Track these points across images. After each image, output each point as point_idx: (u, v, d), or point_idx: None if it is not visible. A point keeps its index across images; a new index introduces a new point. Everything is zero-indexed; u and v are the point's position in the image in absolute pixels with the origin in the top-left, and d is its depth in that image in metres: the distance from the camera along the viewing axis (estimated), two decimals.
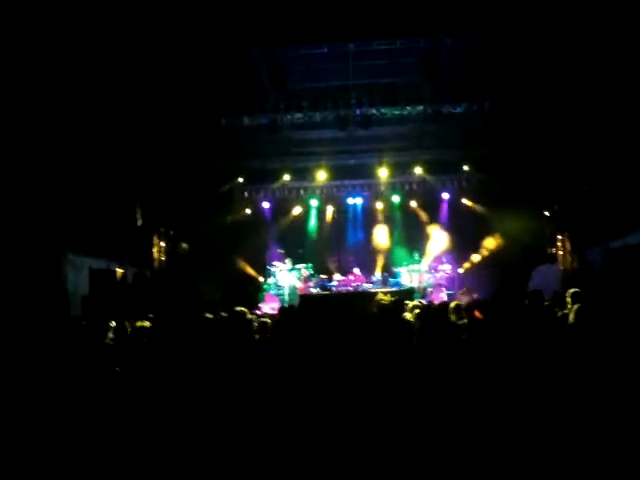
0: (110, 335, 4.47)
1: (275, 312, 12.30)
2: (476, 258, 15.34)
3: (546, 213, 14.17)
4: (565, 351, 3.23)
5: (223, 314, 6.22)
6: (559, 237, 13.93)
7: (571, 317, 3.51)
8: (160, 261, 14.32)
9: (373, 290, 14.10)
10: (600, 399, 2.94)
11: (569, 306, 3.82)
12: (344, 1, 8.53)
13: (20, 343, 4.23)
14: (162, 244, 14.35)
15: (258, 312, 10.83)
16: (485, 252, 15.09)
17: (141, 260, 13.37)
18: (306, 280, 15.08)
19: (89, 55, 9.12)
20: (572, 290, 3.75)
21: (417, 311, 4.83)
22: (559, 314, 4.53)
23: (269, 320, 6.21)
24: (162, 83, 10.55)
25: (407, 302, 7.17)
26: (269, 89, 11.39)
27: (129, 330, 4.52)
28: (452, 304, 5.58)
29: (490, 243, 14.89)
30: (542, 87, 10.66)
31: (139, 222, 13.47)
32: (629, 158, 10.10)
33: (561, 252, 13.84)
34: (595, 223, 11.49)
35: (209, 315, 5.76)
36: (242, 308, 5.69)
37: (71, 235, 10.39)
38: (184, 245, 12.57)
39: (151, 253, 14.12)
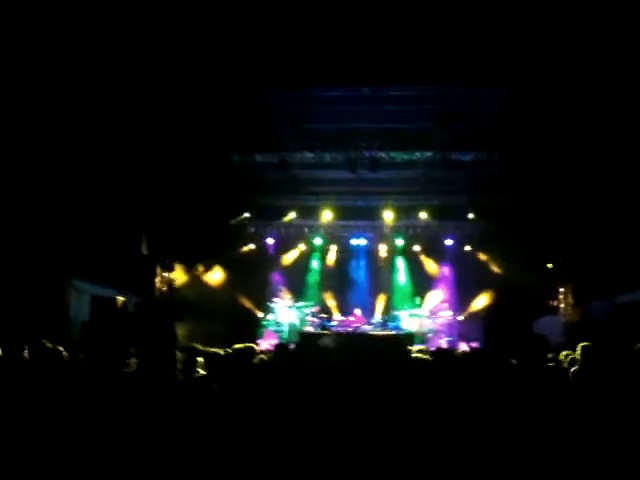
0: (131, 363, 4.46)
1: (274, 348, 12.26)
2: (477, 306, 15.31)
3: (549, 265, 14.21)
4: (569, 400, 3.25)
5: (224, 350, 6.21)
6: (561, 290, 13.95)
7: (575, 368, 3.54)
8: (162, 291, 14.33)
9: (374, 332, 14.05)
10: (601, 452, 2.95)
11: (577, 356, 3.84)
12: (361, 47, 8.73)
13: (20, 363, 4.24)
14: (165, 275, 14.40)
15: (256, 348, 10.77)
16: (486, 301, 15.07)
17: (143, 289, 13.39)
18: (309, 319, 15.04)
19: (107, 83, 9.31)
20: (584, 343, 3.77)
21: (421, 355, 4.83)
22: (564, 364, 4.55)
23: (264, 356, 6.20)
24: (177, 117, 10.73)
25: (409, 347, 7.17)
26: (282, 128, 11.56)
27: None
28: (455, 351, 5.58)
29: (491, 293, 14.88)
30: (552, 140, 10.82)
31: (144, 252, 13.55)
32: (637, 217, 10.20)
33: (563, 305, 13.84)
34: (599, 277, 11.53)
35: (205, 348, 5.68)
36: (248, 344, 5.68)
37: (76, 261, 10.45)
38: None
39: (154, 283, 14.16)
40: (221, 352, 5.27)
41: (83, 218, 10.46)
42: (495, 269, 14.96)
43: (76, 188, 10.27)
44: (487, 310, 14.88)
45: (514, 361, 4.09)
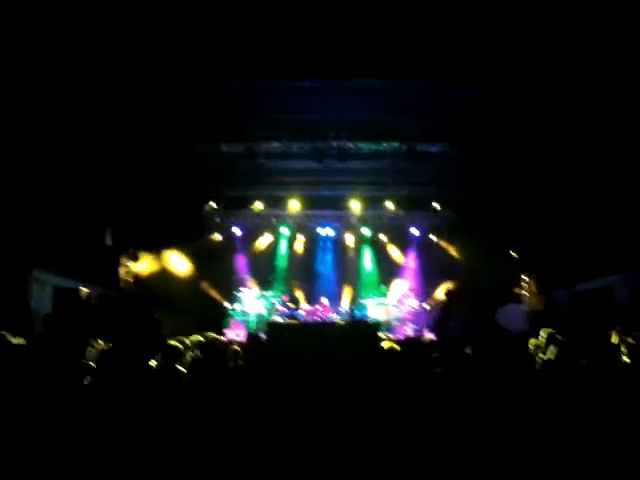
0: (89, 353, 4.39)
1: (240, 338, 12.26)
2: (443, 295, 15.47)
3: (513, 254, 14.45)
4: (539, 389, 3.31)
5: (193, 339, 6.16)
6: (525, 279, 14.20)
7: (548, 355, 3.60)
8: (127, 282, 14.13)
9: (340, 321, 14.10)
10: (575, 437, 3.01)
11: (541, 343, 3.92)
12: (329, 37, 8.69)
13: None
14: (130, 265, 14.19)
15: (224, 338, 10.74)
16: (451, 290, 15.23)
17: (107, 280, 13.18)
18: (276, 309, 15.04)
19: (70, 73, 9.10)
20: (549, 331, 3.85)
21: (391, 344, 4.86)
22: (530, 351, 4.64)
23: (238, 347, 6.17)
24: (142, 106, 10.55)
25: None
26: (249, 118, 11.47)
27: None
28: (426, 339, 5.64)
29: (454, 284, 15.06)
30: (515, 133, 10.98)
31: (108, 242, 13.33)
32: (595, 208, 10.43)
33: (527, 293, 14.10)
34: (561, 267, 11.78)
35: (173, 342, 5.63)
36: (213, 334, 5.65)
37: (38, 252, 10.23)
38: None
39: (118, 274, 13.95)
40: (183, 343, 5.25)
41: (45, 208, 10.24)
42: (460, 258, 15.15)
43: (38, 177, 10.04)
44: (443, 301, 15.06)
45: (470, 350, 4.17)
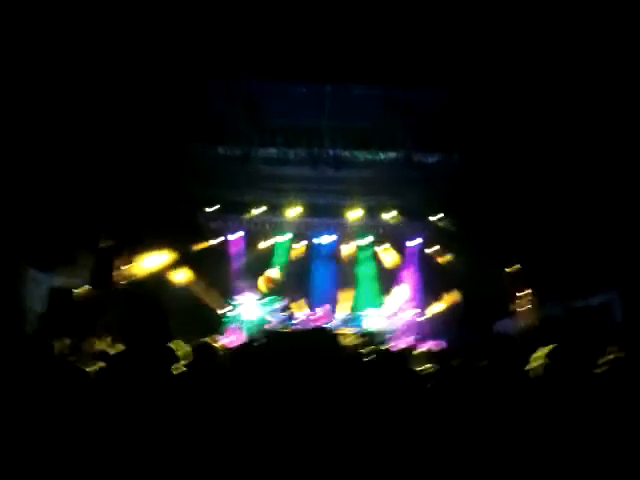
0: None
1: (235, 344, 12.16)
2: (439, 307, 15.44)
3: (507, 270, 14.44)
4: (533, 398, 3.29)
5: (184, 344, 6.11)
6: (519, 294, 14.18)
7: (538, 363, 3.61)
8: (120, 284, 14.08)
9: (338, 330, 14.05)
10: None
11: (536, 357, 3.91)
12: (327, 44, 8.72)
13: None
14: (124, 268, 14.13)
15: (218, 343, 10.68)
16: (447, 302, 15.21)
17: (101, 282, 13.14)
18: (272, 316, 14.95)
19: (65, 73, 9.10)
20: (546, 347, 3.84)
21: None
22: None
23: (230, 352, 6.12)
24: (140, 106, 10.56)
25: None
26: (245, 122, 11.50)
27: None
28: (416, 351, 5.59)
29: (452, 296, 15.02)
30: (515, 144, 11.00)
31: (102, 244, 13.30)
32: (593, 223, 10.43)
33: (521, 308, 14.07)
34: (557, 283, 11.77)
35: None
36: (208, 340, 5.58)
37: (33, 252, 10.22)
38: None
39: (112, 276, 13.89)
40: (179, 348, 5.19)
41: (40, 208, 10.22)
42: (457, 271, 15.12)
43: (34, 178, 10.03)
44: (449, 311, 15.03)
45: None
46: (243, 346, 6.63)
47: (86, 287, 12.14)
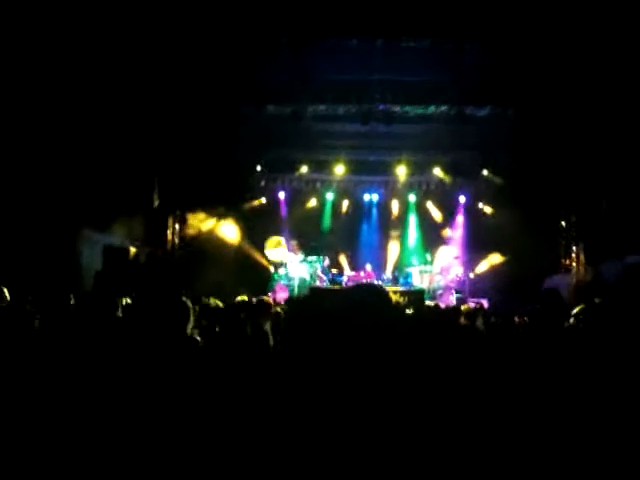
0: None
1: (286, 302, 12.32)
2: (489, 263, 15.25)
3: (562, 224, 14.10)
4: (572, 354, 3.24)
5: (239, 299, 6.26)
6: (574, 249, 13.85)
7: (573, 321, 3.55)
8: (173, 243, 14.42)
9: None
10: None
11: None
12: None
13: (32, 313, 4.27)
14: (177, 226, 14.46)
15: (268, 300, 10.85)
16: (498, 259, 14.99)
17: (155, 241, 13.48)
18: (319, 274, 15.05)
19: (114, 42, 9.22)
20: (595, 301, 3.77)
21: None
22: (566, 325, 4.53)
23: (280, 309, 6.22)
24: (190, 67, 10.60)
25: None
26: (295, 79, 11.39)
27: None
28: (464, 308, 5.58)
29: (502, 253, 14.78)
30: (568, 98, 10.60)
31: (156, 203, 13.58)
32: None
33: (575, 264, 13.77)
34: (612, 237, 11.42)
35: (216, 301, 5.68)
36: (265, 297, 5.68)
37: (88, 212, 10.51)
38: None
39: (165, 234, 14.23)
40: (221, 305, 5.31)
41: (95, 170, 10.46)
42: (508, 227, 14.84)
43: (90, 139, 10.25)
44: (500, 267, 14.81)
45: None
46: (288, 302, 6.74)
47: (141, 246, 12.43)
